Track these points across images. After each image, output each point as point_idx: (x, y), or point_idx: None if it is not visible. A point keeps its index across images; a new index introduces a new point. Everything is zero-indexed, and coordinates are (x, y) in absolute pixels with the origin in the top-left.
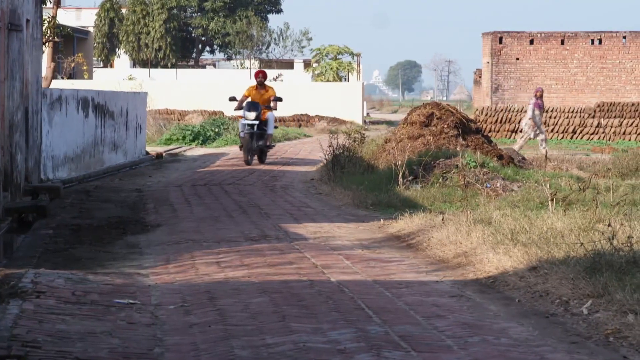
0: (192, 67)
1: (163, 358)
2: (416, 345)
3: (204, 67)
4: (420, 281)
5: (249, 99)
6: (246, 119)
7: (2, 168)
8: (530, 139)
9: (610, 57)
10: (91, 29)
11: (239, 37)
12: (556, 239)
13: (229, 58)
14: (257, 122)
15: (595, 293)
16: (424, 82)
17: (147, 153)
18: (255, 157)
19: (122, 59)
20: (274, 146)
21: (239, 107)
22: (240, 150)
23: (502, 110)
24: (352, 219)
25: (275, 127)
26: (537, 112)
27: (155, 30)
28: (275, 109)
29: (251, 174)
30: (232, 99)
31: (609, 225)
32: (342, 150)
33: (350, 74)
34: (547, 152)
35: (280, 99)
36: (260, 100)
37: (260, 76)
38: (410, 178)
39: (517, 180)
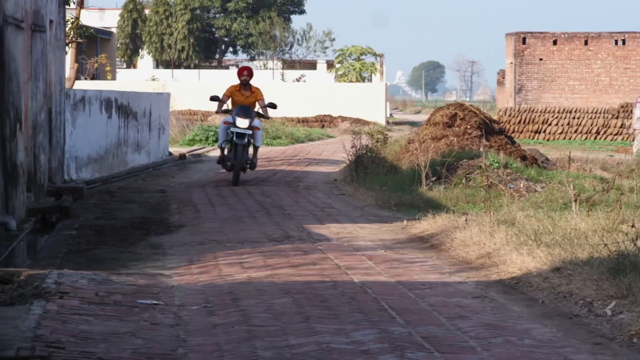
0: (215, 67)
1: (186, 359)
2: (439, 346)
3: (227, 67)
4: (443, 282)
5: (230, 101)
6: (236, 127)
7: (26, 169)
8: None
9: (634, 57)
10: (114, 30)
11: (262, 38)
12: (580, 239)
13: (252, 59)
14: (250, 131)
15: (619, 294)
16: (447, 83)
17: (170, 154)
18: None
19: (145, 60)
20: (256, 165)
21: (222, 110)
22: (219, 164)
23: (525, 110)
24: (375, 220)
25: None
26: None
27: (178, 31)
28: (268, 117)
29: (274, 174)
30: (215, 98)
31: (633, 226)
32: (365, 151)
33: (373, 74)
34: None
35: (274, 106)
36: (247, 104)
37: (245, 74)
38: (433, 179)
39: (541, 181)
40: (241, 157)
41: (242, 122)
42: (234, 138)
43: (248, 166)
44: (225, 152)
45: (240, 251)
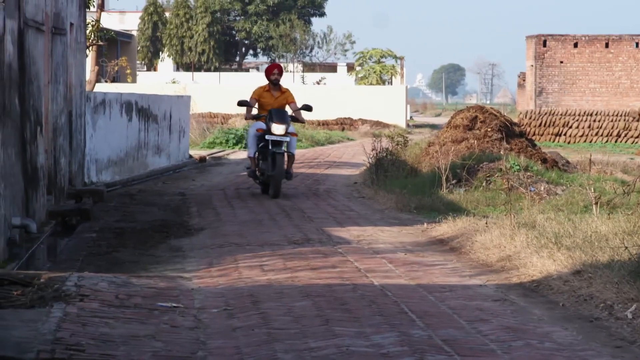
0: (236, 70)
1: None
2: (460, 350)
3: (247, 70)
4: (463, 285)
5: (257, 105)
6: (272, 134)
7: (46, 171)
8: None
9: None
10: (135, 33)
11: (282, 41)
12: (600, 242)
13: (272, 61)
14: (287, 138)
15: (639, 297)
16: (467, 86)
17: (191, 156)
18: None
19: (165, 63)
20: (293, 176)
21: (253, 116)
22: (251, 177)
23: (546, 113)
24: (396, 223)
25: None
26: None
27: (199, 34)
28: (303, 122)
29: (294, 177)
30: (243, 103)
31: None
32: (385, 154)
33: (393, 77)
34: None
35: (310, 108)
36: (277, 106)
37: (276, 72)
38: (453, 182)
39: (561, 184)
40: (281, 167)
41: (279, 128)
42: (270, 146)
43: (289, 176)
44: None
45: (260, 254)
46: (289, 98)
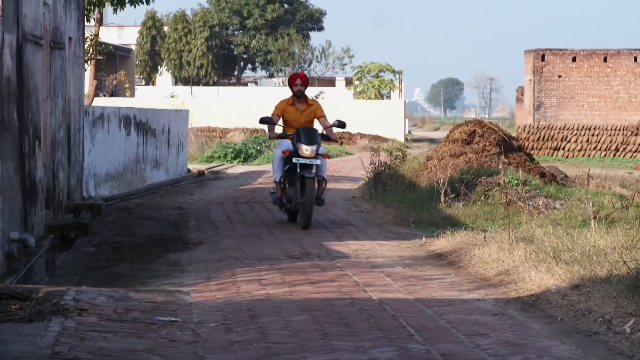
0: (234, 84)
1: None
2: None
3: (245, 84)
4: (462, 299)
5: (281, 120)
6: (301, 155)
7: (45, 186)
8: None
9: None
10: (133, 47)
11: (281, 55)
12: (599, 257)
13: (271, 76)
14: (318, 161)
15: (638, 312)
16: (466, 100)
17: (189, 171)
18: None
19: (164, 77)
20: (324, 202)
21: (277, 134)
22: (276, 204)
23: (544, 127)
24: (394, 237)
25: None
26: None
27: (197, 48)
28: (335, 140)
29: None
30: (265, 120)
31: None
32: (383, 168)
33: (392, 91)
34: None
35: (343, 125)
36: (306, 122)
37: (299, 82)
38: (452, 196)
39: (560, 198)
40: (311, 192)
41: (308, 150)
42: (298, 170)
43: (320, 202)
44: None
45: (259, 268)
46: (317, 112)
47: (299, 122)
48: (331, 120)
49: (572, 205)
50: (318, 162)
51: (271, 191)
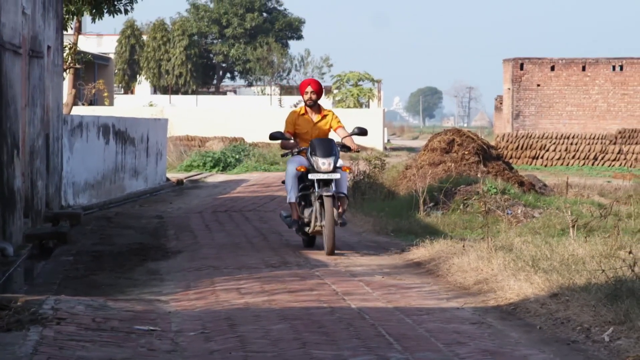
0: (213, 93)
1: None
2: None
3: (224, 93)
4: (441, 308)
5: (288, 133)
6: (318, 171)
7: (23, 195)
8: None
9: (631, 83)
10: (112, 56)
11: (260, 64)
12: (577, 265)
13: (250, 84)
14: (337, 175)
15: (616, 320)
16: (444, 109)
17: (168, 179)
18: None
19: (142, 86)
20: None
21: (289, 148)
22: (292, 227)
23: (523, 136)
24: (373, 246)
25: None
26: None
27: (176, 57)
28: (358, 151)
29: (272, 200)
30: (277, 136)
31: (630, 252)
32: (363, 177)
33: (370, 100)
34: None
35: (365, 132)
36: (321, 134)
37: (310, 90)
38: (431, 204)
39: (539, 207)
40: (331, 213)
41: (325, 164)
42: (316, 188)
43: (342, 222)
44: (304, 213)
45: (238, 277)
46: (332, 122)
47: (311, 135)
48: (351, 129)
49: (550, 214)
50: (337, 176)
51: (283, 214)
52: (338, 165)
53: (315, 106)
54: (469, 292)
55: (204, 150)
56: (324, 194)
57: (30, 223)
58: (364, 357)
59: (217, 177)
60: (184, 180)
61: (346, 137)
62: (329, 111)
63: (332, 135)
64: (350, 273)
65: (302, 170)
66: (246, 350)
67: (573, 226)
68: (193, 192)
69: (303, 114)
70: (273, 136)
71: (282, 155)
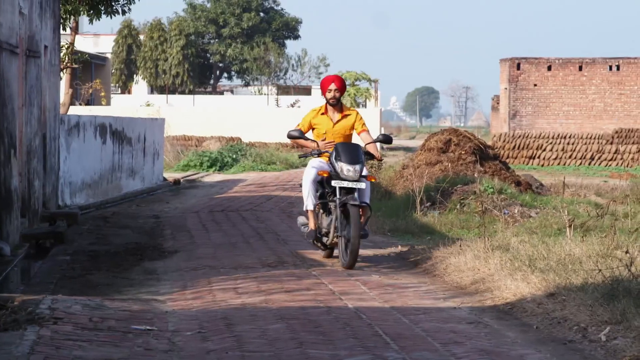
0: (210, 93)
1: None
2: None
3: (221, 93)
4: (437, 307)
5: (312, 134)
6: (342, 178)
7: (20, 194)
8: None
9: (628, 83)
10: (109, 55)
11: (257, 64)
12: (574, 265)
13: (247, 84)
14: (363, 184)
15: (613, 320)
16: (441, 109)
17: (165, 179)
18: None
19: (139, 85)
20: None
21: (313, 153)
22: (310, 239)
23: (519, 136)
24: (370, 245)
25: None
26: None
27: (173, 57)
28: (380, 159)
29: (268, 200)
30: (295, 135)
31: (627, 252)
32: None
33: (367, 100)
34: None
35: (390, 140)
36: (341, 136)
37: (334, 88)
38: (427, 204)
39: (535, 207)
40: (357, 223)
41: (350, 170)
42: (338, 195)
43: (365, 234)
44: (323, 222)
45: (234, 277)
46: (356, 125)
47: (331, 135)
48: (373, 135)
49: (547, 214)
50: (363, 185)
51: (301, 223)
52: (364, 173)
53: (337, 105)
54: (465, 292)
55: (201, 150)
56: (351, 202)
57: (27, 223)
58: (360, 356)
59: (214, 177)
60: (181, 180)
61: (370, 143)
62: (353, 110)
63: (355, 139)
64: (346, 272)
65: (325, 175)
66: (243, 350)
67: (570, 226)
68: (190, 192)
69: (324, 113)
70: (291, 135)
71: (300, 156)
